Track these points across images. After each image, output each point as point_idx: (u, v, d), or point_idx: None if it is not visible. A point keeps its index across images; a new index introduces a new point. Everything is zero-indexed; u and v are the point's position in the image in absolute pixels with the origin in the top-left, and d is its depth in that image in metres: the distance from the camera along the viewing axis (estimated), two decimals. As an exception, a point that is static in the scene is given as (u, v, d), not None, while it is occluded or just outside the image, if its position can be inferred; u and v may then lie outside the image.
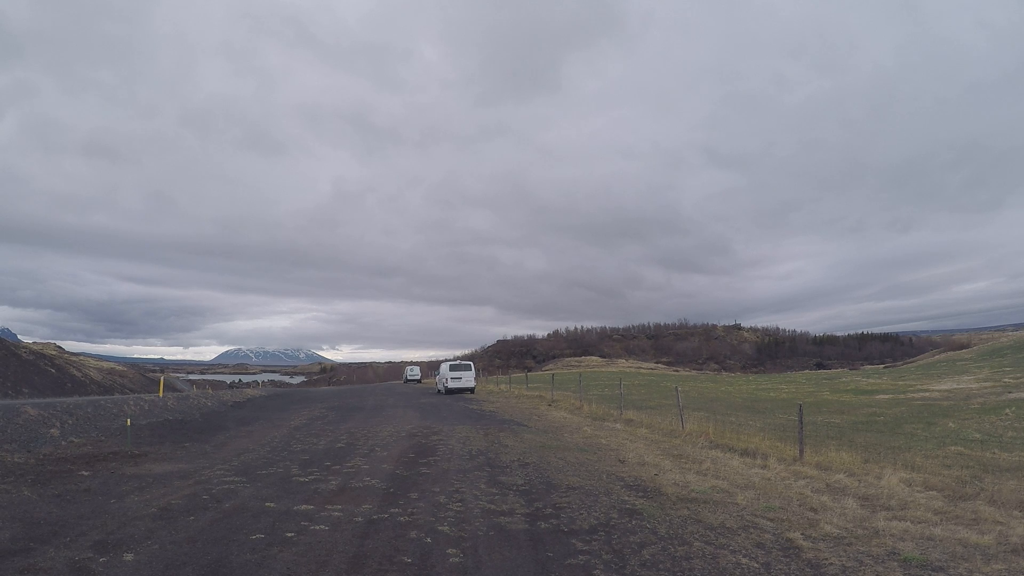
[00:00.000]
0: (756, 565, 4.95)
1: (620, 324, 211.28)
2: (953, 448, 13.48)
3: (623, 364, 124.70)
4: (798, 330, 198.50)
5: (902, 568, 4.90)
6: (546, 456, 10.40)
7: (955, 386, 33.70)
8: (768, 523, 6.22)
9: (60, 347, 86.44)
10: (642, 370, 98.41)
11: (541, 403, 23.89)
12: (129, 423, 13.41)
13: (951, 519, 6.43)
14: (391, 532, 5.84)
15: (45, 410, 13.11)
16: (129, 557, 5.04)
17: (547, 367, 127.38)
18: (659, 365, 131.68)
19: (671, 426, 14.96)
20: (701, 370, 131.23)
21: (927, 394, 30.96)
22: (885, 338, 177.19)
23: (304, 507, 6.77)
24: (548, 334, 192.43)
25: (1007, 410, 21.42)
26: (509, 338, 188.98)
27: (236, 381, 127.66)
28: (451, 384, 31.97)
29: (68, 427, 12.40)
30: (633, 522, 6.20)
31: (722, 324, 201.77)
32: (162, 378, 39.93)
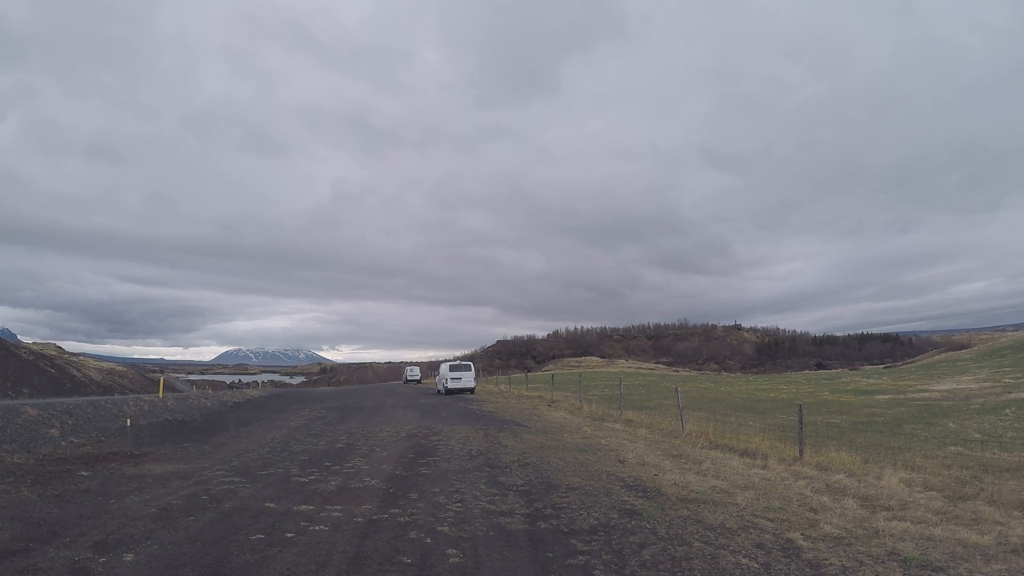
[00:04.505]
0: (756, 565, 4.95)
1: (620, 324, 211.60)
2: (953, 448, 13.47)
3: (623, 364, 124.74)
4: (798, 330, 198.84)
5: (902, 568, 4.90)
6: (546, 456, 10.40)
7: (955, 386, 33.69)
8: (768, 523, 6.22)
9: (60, 347, 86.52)
10: (642, 370, 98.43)
11: (541, 403, 23.88)
12: (129, 423, 13.41)
13: (951, 519, 6.42)
14: (391, 532, 5.84)
15: (45, 410, 13.11)
16: (129, 557, 5.03)
17: (547, 367, 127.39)
18: (659, 365, 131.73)
19: (671, 426, 14.96)
20: (701, 370, 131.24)
21: (927, 394, 30.96)
22: (885, 338, 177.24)
23: (304, 507, 6.77)
24: (548, 334, 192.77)
25: (1007, 410, 21.43)
26: (509, 338, 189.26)
27: (236, 381, 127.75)
28: (451, 384, 31.97)
29: (68, 427, 12.40)
30: (633, 522, 6.20)
31: (722, 324, 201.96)
32: (162, 378, 39.89)
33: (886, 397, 30.88)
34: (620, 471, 9.09)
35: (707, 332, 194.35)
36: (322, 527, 6.00)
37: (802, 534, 5.81)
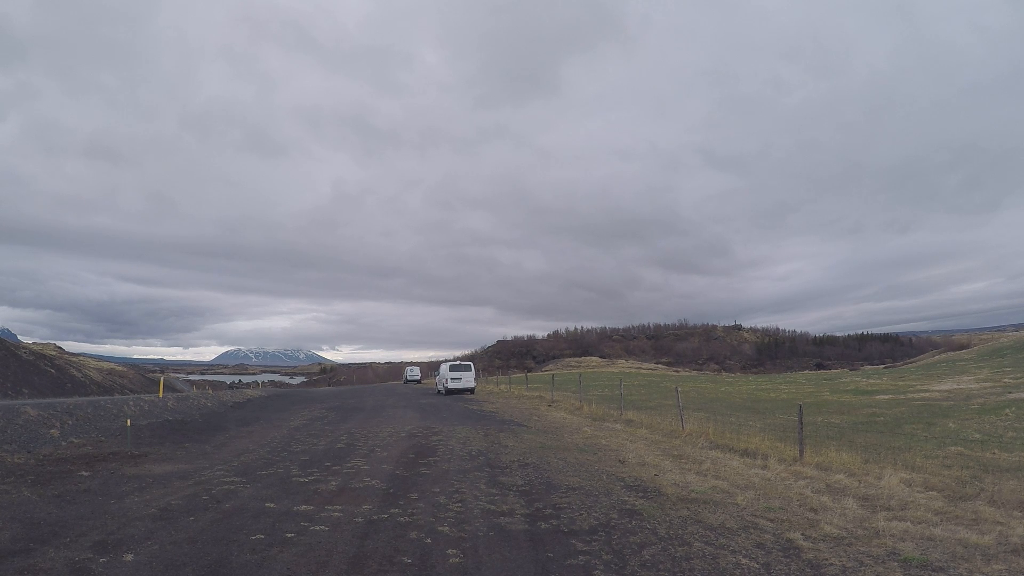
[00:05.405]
0: (756, 565, 4.95)
1: (620, 325, 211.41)
2: (953, 448, 13.46)
3: (623, 364, 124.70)
4: (798, 330, 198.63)
5: (902, 568, 4.90)
6: (546, 456, 10.40)
7: (955, 386, 33.68)
8: (768, 523, 6.22)
9: (60, 347, 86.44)
10: (642, 370, 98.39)
11: (541, 403, 23.88)
12: (129, 424, 13.41)
13: (951, 519, 6.42)
14: (391, 532, 5.85)
15: (45, 411, 13.10)
16: (129, 557, 5.04)
17: (547, 367, 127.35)
18: (659, 365, 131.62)
19: (671, 426, 14.95)
20: (701, 370, 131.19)
21: (927, 394, 30.94)
22: (885, 338, 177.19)
23: (304, 507, 6.78)
24: (548, 334, 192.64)
25: (1007, 410, 21.41)
26: (509, 339, 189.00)
27: (236, 381, 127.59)
28: (451, 385, 31.99)
29: (68, 427, 12.40)
30: (633, 522, 6.20)
31: (722, 324, 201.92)
32: (162, 378, 39.90)
33: (886, 397, 30.87)
34: (620, 471, 9.09)
35: (707, 332, 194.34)
36: (322, 527, 6.00)
37: (802, 534, 5.82)
